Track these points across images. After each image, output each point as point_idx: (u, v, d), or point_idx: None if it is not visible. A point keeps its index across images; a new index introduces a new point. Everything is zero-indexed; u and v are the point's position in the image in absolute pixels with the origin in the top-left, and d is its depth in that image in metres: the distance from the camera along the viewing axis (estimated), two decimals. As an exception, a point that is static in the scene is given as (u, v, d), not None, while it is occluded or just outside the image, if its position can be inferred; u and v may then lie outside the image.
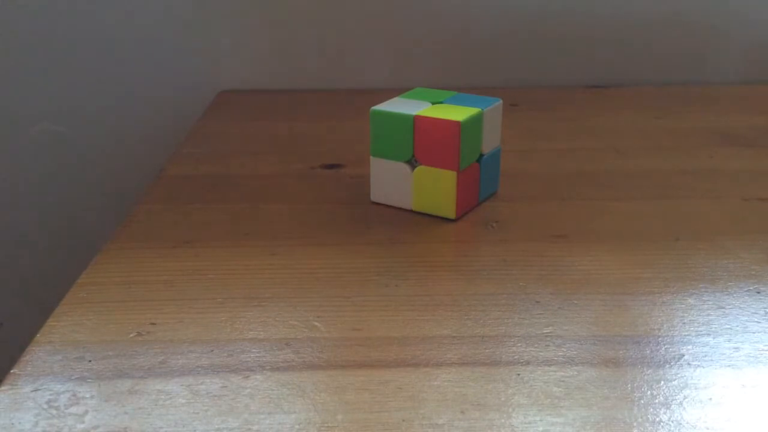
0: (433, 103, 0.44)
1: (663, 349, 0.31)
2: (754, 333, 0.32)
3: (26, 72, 0.72)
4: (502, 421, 0.27)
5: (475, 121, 0.42)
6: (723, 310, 0.34)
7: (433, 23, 0.71)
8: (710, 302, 0.35)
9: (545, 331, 0.33)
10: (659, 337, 0.32)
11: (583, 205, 0.45)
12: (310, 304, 0.35)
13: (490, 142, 0.44)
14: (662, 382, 0.29)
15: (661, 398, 0.28)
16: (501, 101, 0.45)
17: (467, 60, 0.73)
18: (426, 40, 0.72)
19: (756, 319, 0.33)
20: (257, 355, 0.31)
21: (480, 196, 0.45)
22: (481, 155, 0.44)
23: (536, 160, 0.52)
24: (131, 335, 0.33)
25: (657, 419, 0.27)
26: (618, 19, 0.71)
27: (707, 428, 0.27)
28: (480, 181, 0.44)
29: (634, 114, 0.63)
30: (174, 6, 0.70)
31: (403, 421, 0.27)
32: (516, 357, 0.31)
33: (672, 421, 0.27)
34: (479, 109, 0.43)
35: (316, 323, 0.33)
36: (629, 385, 0.29)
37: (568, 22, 0.71)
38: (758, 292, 0.35)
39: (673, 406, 0.28)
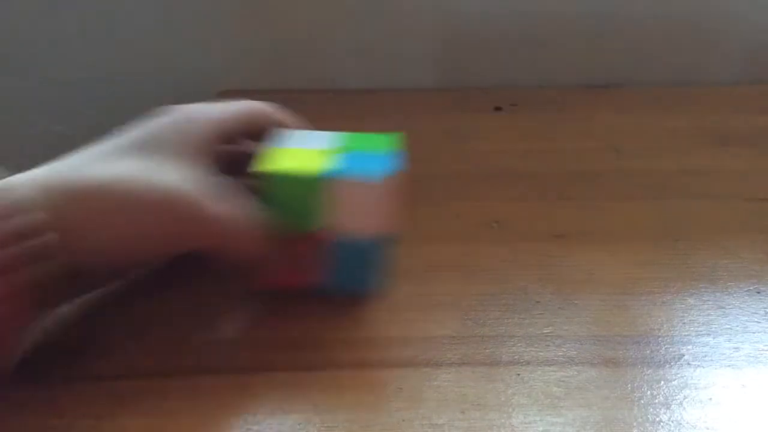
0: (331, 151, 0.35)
1: (663, 349, 0.31)
2: (754, 333, 0.32)
3: (26, 72, 0.72)
4: (502, 421, 0.27)
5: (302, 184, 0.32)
6: (723, 310, 0.34)
7: (432, 23, 0.71)
8: (710, 302, 0.35)
9: (545, 331, 0.32)
10: (659, 337, 0.32)
11: (583, 205, 0.45)
12: (310, 303, 0.35)
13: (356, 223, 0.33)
14: (662, 382, 0.29)
15: (661, 398, 0.28)
16: (399, 171, 0.34)
17: (467, 60, 0.72)
18: (425, 39, 0.72)
19: (756, 319, 0.33)
20: (257, 355, 0.31)
21: (331, 279, 0.34)
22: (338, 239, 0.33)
23: (536, 160, 0.52)
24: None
25: (657, 419, 0.27)
26: (618, 19, 0.71)
27: (707, 428, 0.27)
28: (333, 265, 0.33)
29: (634, 114, 0.63)
30: (174, 5, 0.70)
31: (403, 421, 0.27)
32: (516, 357, 0.31)
33: (672, 421, 0.27)
34: (316, 175, 0.32)
35: (316, 323, 0.33)
36: (629, 385, 0.29)
37: (568, 22, 0.71)
38: (758, 292, 0.35)
39: (673, 406, 0.28)
